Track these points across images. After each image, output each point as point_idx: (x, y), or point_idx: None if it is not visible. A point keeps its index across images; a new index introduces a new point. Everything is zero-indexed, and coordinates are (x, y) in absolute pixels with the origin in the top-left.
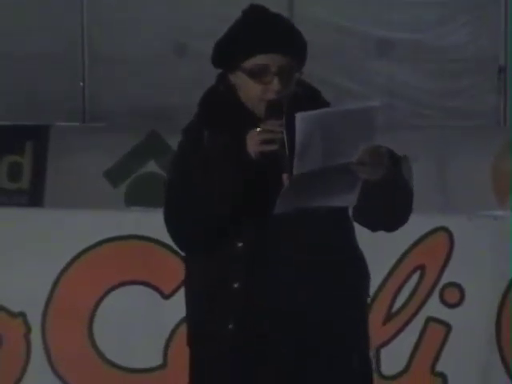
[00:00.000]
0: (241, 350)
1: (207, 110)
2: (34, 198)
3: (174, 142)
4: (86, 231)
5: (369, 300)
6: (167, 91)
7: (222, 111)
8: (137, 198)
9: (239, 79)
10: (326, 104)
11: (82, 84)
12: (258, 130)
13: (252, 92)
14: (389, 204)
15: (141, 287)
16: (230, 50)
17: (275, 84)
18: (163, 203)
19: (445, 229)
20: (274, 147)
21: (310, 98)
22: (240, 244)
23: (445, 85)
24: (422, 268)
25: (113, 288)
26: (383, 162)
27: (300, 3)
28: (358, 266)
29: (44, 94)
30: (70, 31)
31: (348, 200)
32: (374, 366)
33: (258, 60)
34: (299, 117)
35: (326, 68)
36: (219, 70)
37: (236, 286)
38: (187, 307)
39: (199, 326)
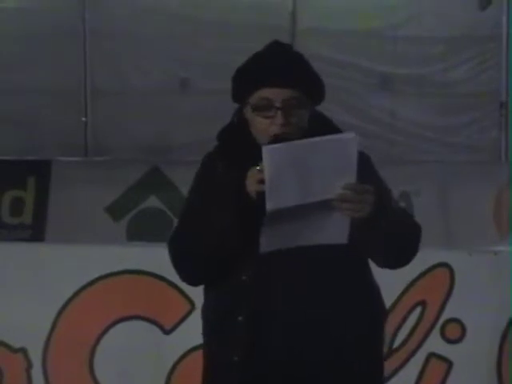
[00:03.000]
0: (248, 382)
1: (222, 143)
2: (35, 232)
3: (175, 177)
4: (88, 266)
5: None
6: (169, 126)
7: (234, 145)
8: (138, 233)
9: (248, 114)
10: (337, 131)
11: (84, 119)
12: (258, 168)
13: (258, 127)
14: (387, 240)
15: (142, 322)
16: (239, 84)
17: (279, 118)
18: (164, 238)
19: (445, 264)
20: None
21: (323, 130)
22: (244, 277)
23: (446, 120)
24: (422, 304)
25: (114, 323)
26: (368, 199)
27: (301, 38)
28: (371, 299)
29: (46, 129)
30: (72, 66)
31: (337, 237)
32: None
33: (261, 94)
34: (265, 150)
35: (327, 103)
36: (223, 105)
37: (240, 318)
38: (203, 338)
39: (210, 357)
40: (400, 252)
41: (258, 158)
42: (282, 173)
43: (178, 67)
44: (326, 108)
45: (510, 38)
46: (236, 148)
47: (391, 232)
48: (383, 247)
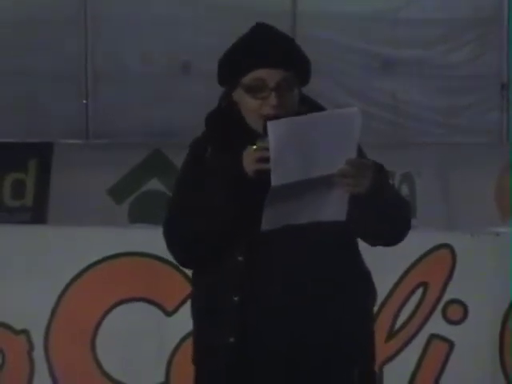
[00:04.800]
0: (242, 364)
1: (210, 127)
2: (37, 215)
3: (176, 159)
4: (89, 248)
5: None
6: (170, 109)
7: (223, 128)
8: (140, 215)
9: (239, 96)
10: None
11: (85, 101)
12: (254, 147)
13: (250, 107)
14: (380, 217)
15: (144, 304)
16: (230, 66)
17: (272, 99)
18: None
19: (447, 246)
20: (267, 166)
21: (311, 111)
22: (240, 258)
23: (448, 102)
24: (424, 285)
25: (116, 305)
26: (367, 174)
27: (303, 22)
28: (362, 283)
29: (47, 112)
30: (73, 50)
31: (337, 214)
32: (377, 383)
33: (256, 75)
34: (270, 123)
35: (329, 86)
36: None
37: (236, 299)
38: (193, 322)
39: (202, 340)
40: (392, 228)
41: (250, 140)
42: (286, 147)
43: (179, 51)
44: (327, 91)
45: (510, 20)
46: (225, 130)
47: (385, 208)
48: (377, 224)
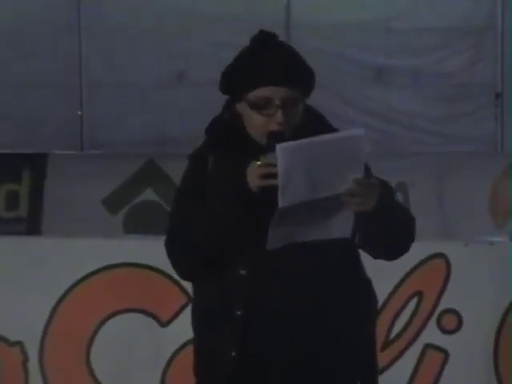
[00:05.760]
0: (244, 377)
1: (212, 137)
2: (31, 226)
3: (171, 170)
4: (84, 259)
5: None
6: (165, 119)
7: (226, 139)
8: (134, 226)
9: (243, 109)
10: (330, 128)
11: (79, 112)
12: (258, 163)
13: (256, 123)
14: (386, 234)
15: (138, 315)
16: (234, 81)
17: (278, 116)
18: (161, 231)
19: (442, 255)
20: (272, 182)
21: (315, 125)
22: (243, 271)
23: (442, 111)
24: (419, 294)
25: (110, 316)
26: (374, 193)
27: (296, 32)
28: (363, 293)
29: (42, 122)
30: (67, 58)
31: (342, 232)
32: None
33: (261, 92)
34: (279, 148)
35: (322, 96)
36: (219, 98)
37: (239, 313)
38: (193, 331)
39: (204, 351)
40: (397, 244)
41: (253, 152)
42: (294, 170)
43: (174, 60)
44: (322, 100)
45: (504, 29)
46: (228, 141)
47: (391, 225)
48: (381, 239)
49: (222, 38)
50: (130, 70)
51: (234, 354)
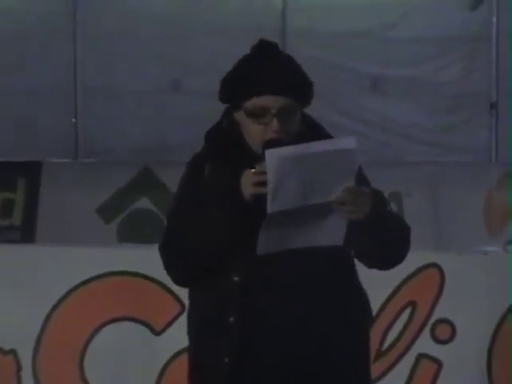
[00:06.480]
0: (237, 381)
1: (210, 145)
2: (25, 234)
3: (166, 178)
4: (78, 267)
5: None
6: (160, 127)
7: (223, 147)
8: (129, 235)
9: (241, 117)
10: (328, 137)
11: (74, 120)
12: (253, 171)
13: (253, 132)
14: (379, 243)
15: (132, 323)
16: (232, 89)
17: (274, 124)
18: (155, 240)
19: (435, 265)
20: (264, 190)
21: (313, 134)
22: (236, 278)
23: (437, 121)
24: (413, 304)
25: (104, 324)
26: (365, 201)
27: (292, 41)
28: (356, 303)
29: (36, 130)
30: (62, 66)
31: (334, 239)
32: None
33: (258, 101)
34: (268, 153)
35: (318, 105)
36: (216, 106)
37: (231, 319)
38: (189, 339)
39: (198, 359)
40: (391, 254)
41: (250, 161)
42: (285, 176)
43: (169, 68)
44: (317, 110)
45: (500, 38)
46: (225, 149)
47: (384, 234)
48: (375, 248)
49: (219, 47)
50: (126, 78)
51: (227, 360)
